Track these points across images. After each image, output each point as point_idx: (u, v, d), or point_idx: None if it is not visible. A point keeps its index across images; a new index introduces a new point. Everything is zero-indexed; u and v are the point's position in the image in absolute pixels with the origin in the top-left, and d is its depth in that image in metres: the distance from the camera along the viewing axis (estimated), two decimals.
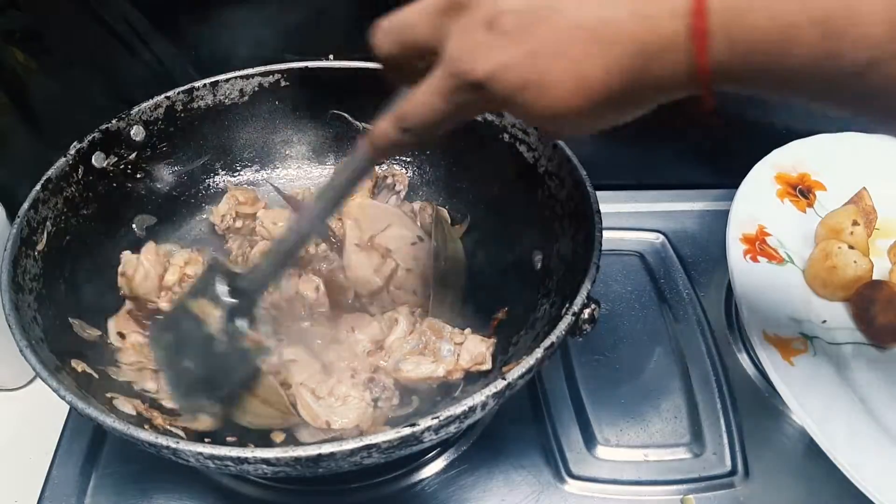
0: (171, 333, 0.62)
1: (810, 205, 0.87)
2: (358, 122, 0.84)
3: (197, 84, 0.78)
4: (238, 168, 0.84)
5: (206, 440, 0.60)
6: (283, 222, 0.78)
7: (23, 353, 0.54)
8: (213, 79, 0.78)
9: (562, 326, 0.55)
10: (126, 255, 0.72)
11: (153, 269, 0.71)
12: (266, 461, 0.47)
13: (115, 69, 0.84)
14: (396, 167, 0.85)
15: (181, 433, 0.60)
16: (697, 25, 0.34)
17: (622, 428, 0.72)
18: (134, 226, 0.77)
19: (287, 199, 0.80)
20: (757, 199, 0.84)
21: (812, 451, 0.65)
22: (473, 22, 0.39)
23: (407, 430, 0.48)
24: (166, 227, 0.79)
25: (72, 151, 0.69)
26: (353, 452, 0.47)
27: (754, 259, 0.79)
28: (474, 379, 0.66)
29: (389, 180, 0.84)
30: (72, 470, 0.68)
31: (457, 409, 0.49)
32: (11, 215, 0.64)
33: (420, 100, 0.43)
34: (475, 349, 0.65)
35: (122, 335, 0.68)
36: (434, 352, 0.66)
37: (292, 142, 0.86)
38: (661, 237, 0.91)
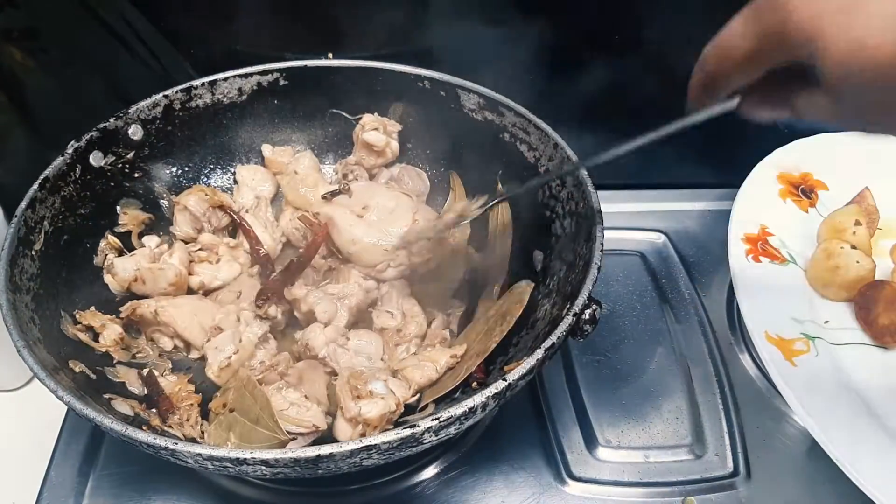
0: None
1: (812, 204, 0.86)
2: (356, 121, 0.84)
3: (195, 83, 0.77)
4: (237, 167, 0.84)
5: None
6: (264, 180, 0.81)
7: (20, 354, 0.54)
8: (211, 77, 0.78)
9: (563, 327, 0.54)
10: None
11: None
12: (265, 462, 0.47)
13: (113, 68, 0.83)
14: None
15: (179, 434, 0.59)
16: None
17: (623, 429, 0.71)
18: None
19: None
20: (759, 199, 0.84)
21: (814, 452, 0.65)
22: None
23: (407, 432, 0.48)
24: (164, 225, 0.79)
25: (69, 150, 0.69)
26: (352, 454, 0.47)
27: (756, 259, 0.79)
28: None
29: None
30: (69, 471, 0.67)
31: (457, 410, 0.49)
32: (9, 215, 0.64)
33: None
34: (399, 384, 0.64)
35: (93, 329, 0.66)
36: (370, 392, 0.61)
37: (291, 140, 0.85)
38: (663, 237, 0.91)
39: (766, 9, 0.39)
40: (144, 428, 0.56)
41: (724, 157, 0.95)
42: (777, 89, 0.43)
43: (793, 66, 0.39)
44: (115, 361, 0.65)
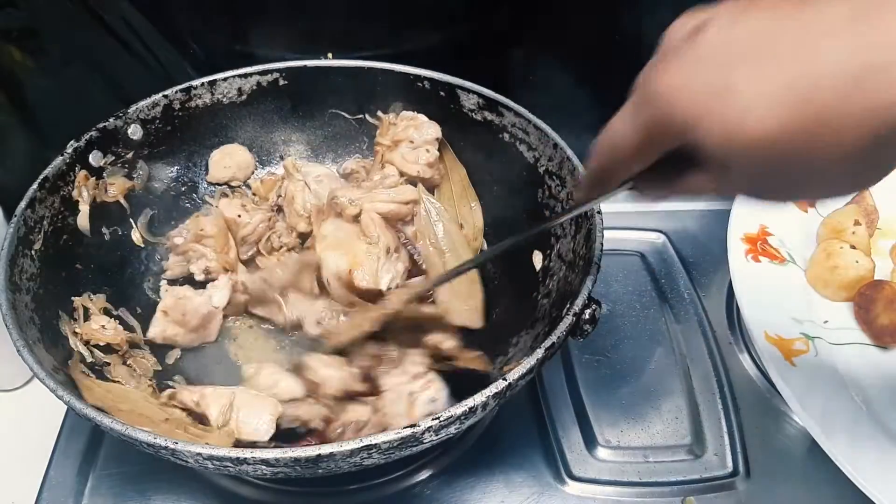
0: None
1: (812, 204, 0.86)
2: (356, 121, 0.84)
3: (195, 83, 0.77)
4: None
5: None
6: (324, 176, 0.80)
7: (20, 354, 0.54)
8: (210, 77, 0.78)
9: (562, 327, 0.54)
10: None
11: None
12: (265, 462, 0.47)
13: (112, 68, 0.83)
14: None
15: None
16: None
17: (623, 429, 0.71)
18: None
19: None
20: None
21: (813, 452, 0.65)
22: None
23: (407, 431, 0.48)
24: (163, 225, 0.79)
25: (69, 150, 0.69)
26: (352, 453, 0.47)
27: (756, 259, 0.79)
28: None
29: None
30: (69, 471, 0.67)
31: (457, 410, 0.49)
32: (9, 215, 0.64)
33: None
34: None
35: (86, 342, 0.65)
36: None
37: (291, 140, 0.85)
38: (662, 237, 0.91)
39: (643, 103, 0.39)
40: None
41: None
42: (667, 171, 0.43)
43: (680, 150, 0.40)
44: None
